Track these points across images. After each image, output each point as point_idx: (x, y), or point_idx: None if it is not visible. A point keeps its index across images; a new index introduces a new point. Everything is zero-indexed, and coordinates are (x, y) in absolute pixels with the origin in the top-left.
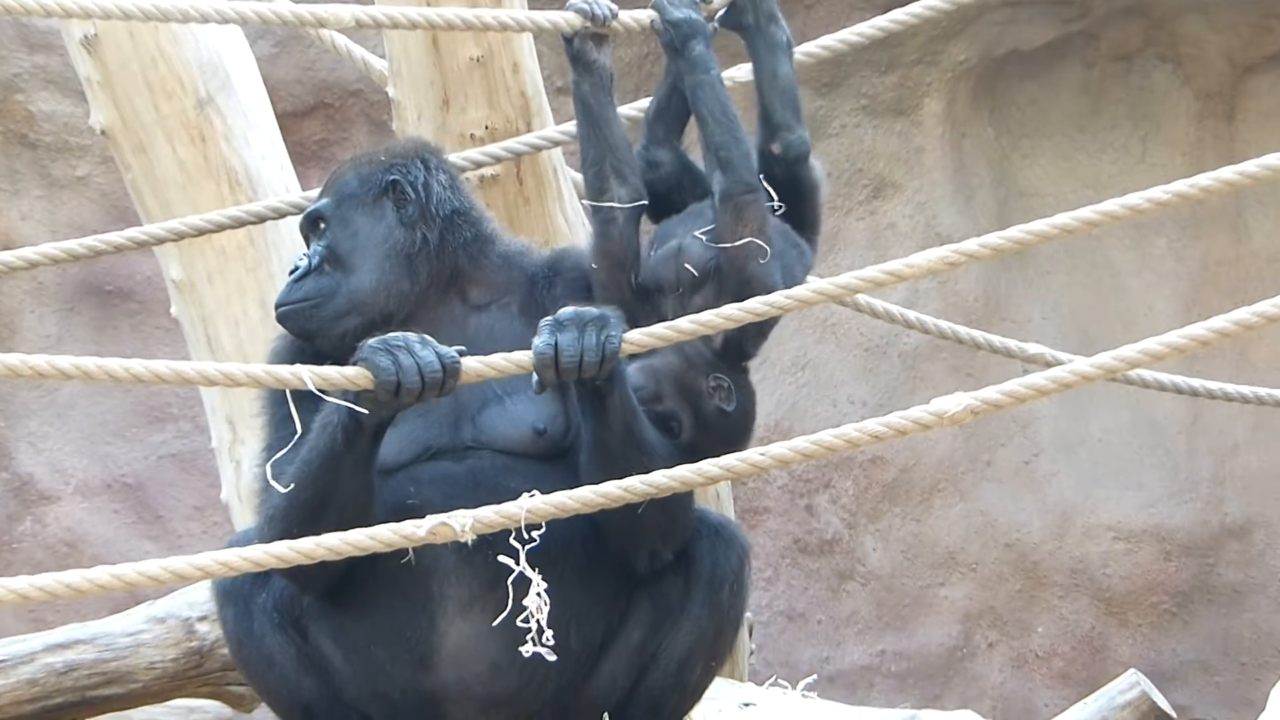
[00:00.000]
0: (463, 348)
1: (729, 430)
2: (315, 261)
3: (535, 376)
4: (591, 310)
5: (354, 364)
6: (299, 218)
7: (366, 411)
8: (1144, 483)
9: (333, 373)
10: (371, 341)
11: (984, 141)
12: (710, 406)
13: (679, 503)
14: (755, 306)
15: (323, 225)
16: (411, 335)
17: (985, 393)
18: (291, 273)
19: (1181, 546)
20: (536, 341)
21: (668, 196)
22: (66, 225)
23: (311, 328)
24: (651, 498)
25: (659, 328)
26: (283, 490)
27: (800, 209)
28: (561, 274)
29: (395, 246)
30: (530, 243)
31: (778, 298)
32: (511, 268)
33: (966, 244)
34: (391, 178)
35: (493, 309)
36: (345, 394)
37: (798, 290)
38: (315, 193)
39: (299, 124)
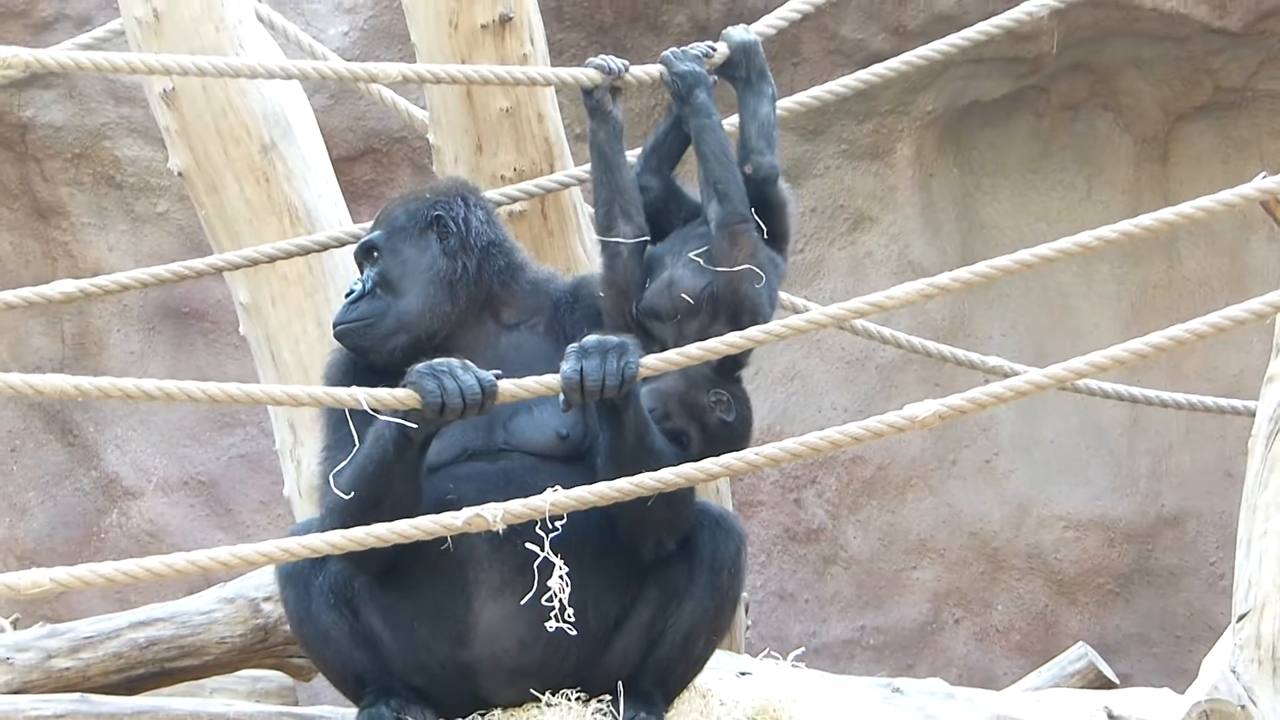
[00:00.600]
0: (499, 371)
1: (731, 437)
2: (369, 286)
3: (562, 396)
4: (612, 339)
5: (403, 386)
6: (353, 247)
7: (415, 426)
8: (1090, 479)
9: (385, 394)
10: (419, 366)
11: (949, 181)
12: (714, 419)
13: (682, 500)
14: (755, 334)
15: (375, 254)
16: (454, 361)
17: (951, 400)
18: (347, 296)
19: (1123, 534)
20: (564, 367)
21: (655, 219)
22: (148, 255)
23: (365, 344)
24: (659, 492)
25: (671, 353)
26: (344, 496)
27: (770, 223)
28: (581, 299)
29: (439, 274)
30: (555, 271)
31: (775, 326)
32: (539, 293)
33: (940, 278)
34: (436, 213)
35: (522, 329)
36: (395, 411)
37: (793, 320)
38: (368, 225)
39: (351, 166)
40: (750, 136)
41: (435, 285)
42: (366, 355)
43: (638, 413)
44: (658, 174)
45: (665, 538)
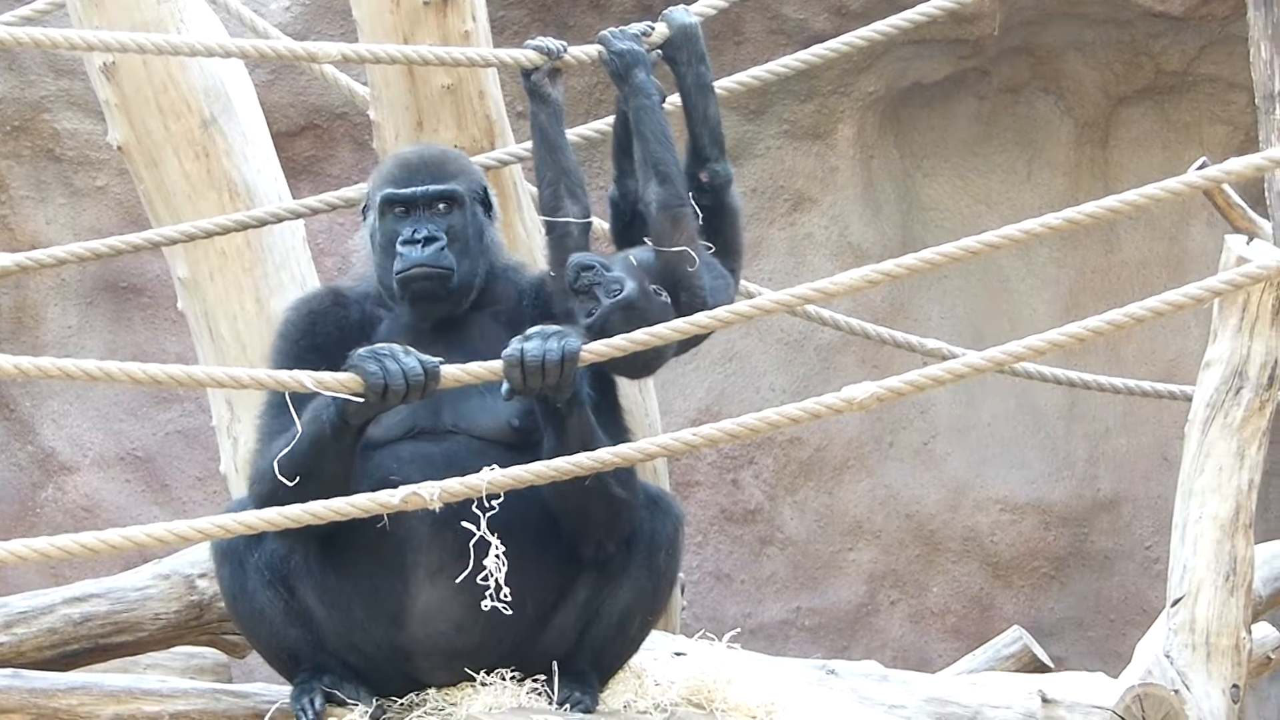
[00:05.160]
0: (441, 359)
1: (656, 314)
2: (446, 238)
3: (505, 384)
4: (554, 326)
5: (345, 370)
6: (292, 223)
7: (360, 401)
8: (1027, 462)
9: (328, 377)
10: (361, 350)
11: (890, 162)
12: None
13: (623, 502)
14: (701, 320)
15: (443, 207)
16: (395, 345)
17: (889, 381)
18: (421, 241)
19: (1059, 518)
20: (506, 350)
21: (634, 221)
22: (87, 229)
23: (440, 293)
24: (597, 472)
25: (617, 339)
26: (275, 469)
27: (725, 233)
28: (543, 296)
29: (490, 242)
30: (522, 261)
31: (722, 312)
32: (507, 281)
33: (885, 264)
34: (484, 184)
35: (485, 313)
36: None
37: (740, 306)
38: (310, 201)
39: (291, 142)
40: (703, 141)
41: (485, 254)
42: (429, 304)
43: (582, 420)
44: (633, 176)
45: (606, 539)
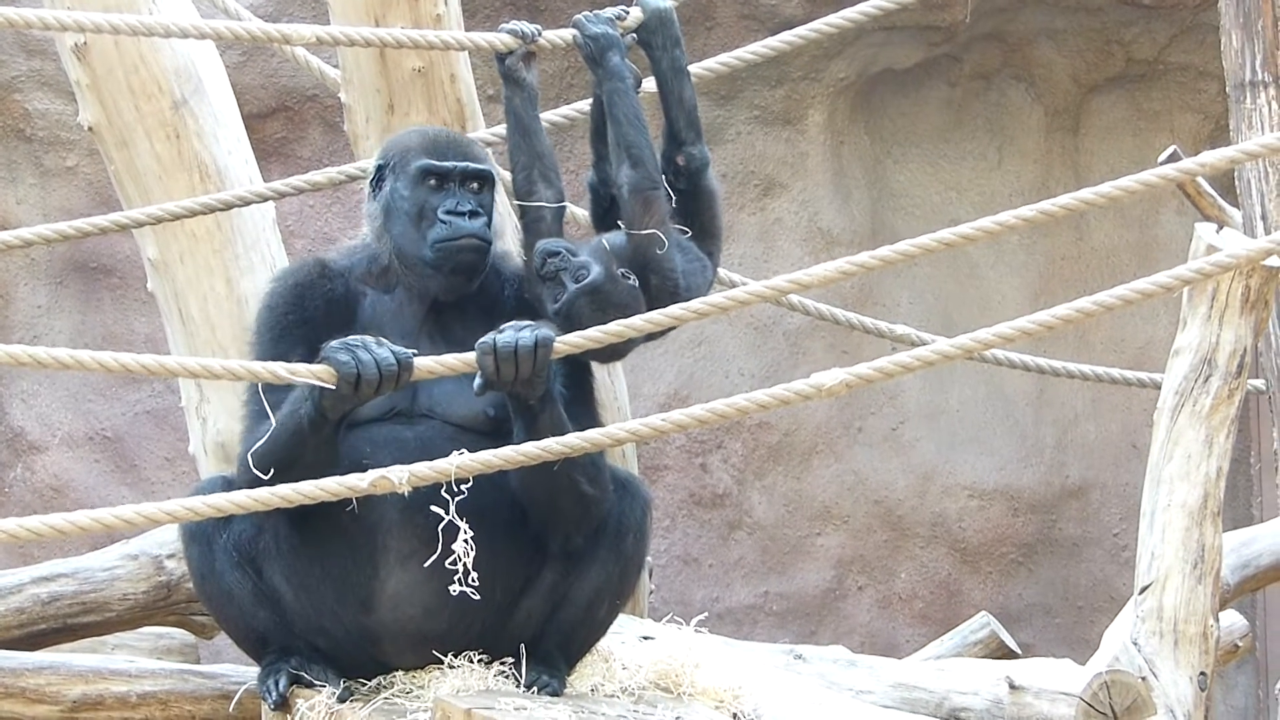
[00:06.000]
0: (414, 350)
1: (623, 297)
2: (484, 215)
3: (478, 379)
4: (528, 321)
5: (318, 362)
6: (262, 205)
7: (333, 389)
8: (995, 448)
9: (301, 368)
10: (333, 343)
11: (860, 148)
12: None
13: (592, 499)
14: (675, 312)
15: (476, 185)
16: (368, 337)
17: (859, 368)
18: (466, 213)
19: (1027, 504)
20: (479, 342)
21: (613, 207)
22: (57, 210)
23: (480, 265)
24: (566, 469)
25: (591, 331)
26: (256, 462)
27: (702, 216)
28: (524, 285)
29: (499, 228)
30: (508, 249)
31: (699, 304)
32: (493, 269)
33: (860, 256)
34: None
35: (470, 299)
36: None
37: (716, 298)
38: (280, 184)
39: (262, 124)
40: (679, 125)
41: (496, 239)
42: (465, 275)
43: (554, 417)
44: (611, 162)
45: (574, 533)
